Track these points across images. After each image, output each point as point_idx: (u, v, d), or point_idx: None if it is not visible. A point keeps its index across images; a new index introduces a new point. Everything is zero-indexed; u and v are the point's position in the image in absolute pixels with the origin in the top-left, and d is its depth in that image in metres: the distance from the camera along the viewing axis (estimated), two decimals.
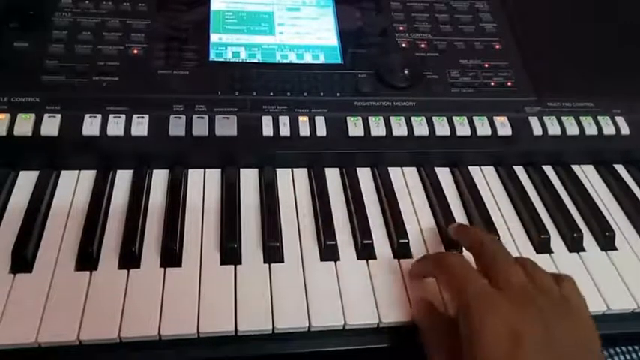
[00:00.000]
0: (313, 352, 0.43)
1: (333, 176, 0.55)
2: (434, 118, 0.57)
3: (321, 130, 0.54)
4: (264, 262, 0.46)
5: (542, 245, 0.50)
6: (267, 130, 0.54)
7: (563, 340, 0.36)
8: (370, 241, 0.48)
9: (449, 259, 0.43)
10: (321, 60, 0.60)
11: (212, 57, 0.59)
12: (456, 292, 0.39)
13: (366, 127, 0.55)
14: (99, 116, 0.52)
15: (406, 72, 0.60)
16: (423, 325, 0.42)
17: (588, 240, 0.52)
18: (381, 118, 0.56)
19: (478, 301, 0.37)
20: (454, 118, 0.57)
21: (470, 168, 0.57)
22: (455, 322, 0.38)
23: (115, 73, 0.55)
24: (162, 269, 0.45)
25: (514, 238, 0.51)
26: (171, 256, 0.45)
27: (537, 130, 0.58)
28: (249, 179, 0.53)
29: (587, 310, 0.40)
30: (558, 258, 0.50)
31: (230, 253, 0.46)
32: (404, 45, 0.63)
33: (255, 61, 0.59)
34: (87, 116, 0.52)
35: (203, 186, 0.52)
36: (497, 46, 0.64)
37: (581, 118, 0.59)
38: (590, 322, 0.39)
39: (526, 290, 0.38)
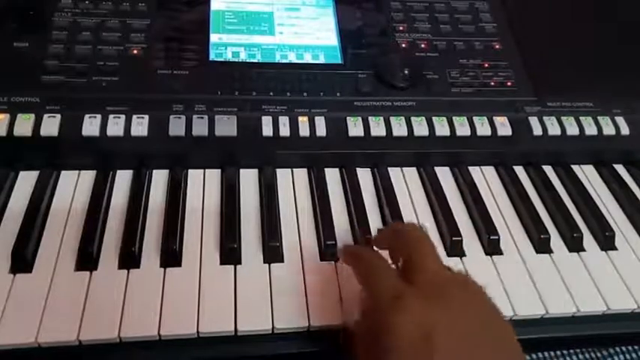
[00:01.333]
0: (313, 352, 0.43)
1: (333, 176, 0.55)
2: (434, 118, 0.57)
3: (321, 130, 0.54)
4: (264, 262, 0.46)
5: (542, 245, 0.50)
6: (267, 130, 0.54)
7: (474, 333, 0.35)
8: None
9: (361, 254, 0.42)
10: (321, 60, 0.60)
11: (212, 57, 0.59)
12: (366, 290, 0.39)
13: (366, 127, 0.55)
14: (99, 116, 0.52)
15: (406, 72, 0.59)
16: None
17: (588, 240, 0.52)
18: (381, 118, 0.56)
19: (387, 300, 0.36)
20: (454, 118, 0.57)
21: (470, 168, 0.57)
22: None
23: (115, 73, 0.55)
24: (162, 269, 0.45)
25: (514, 238, 0.51)
26: (171, 256, 0.45)
27: (537, 130, 0.58)
28: (249, 179, 0.53)
29: (489, 299, 0.38)
30: (558, 258, 0.50)
31: (230, 253, 0.46)
32: (404, 45, 0.63)
33: (255, 61, 0.59)
34: (87, 116, 0.52)
35: (203, 186, 0.52)
36: (497, 46, 0.64)
37: (581, 118, 0.59)
38: (495, 311, 0.37)
39: (435, 286, 0.37)
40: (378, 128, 0.55)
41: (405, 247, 0.40)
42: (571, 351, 0.55)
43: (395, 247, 0.42)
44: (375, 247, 0.45)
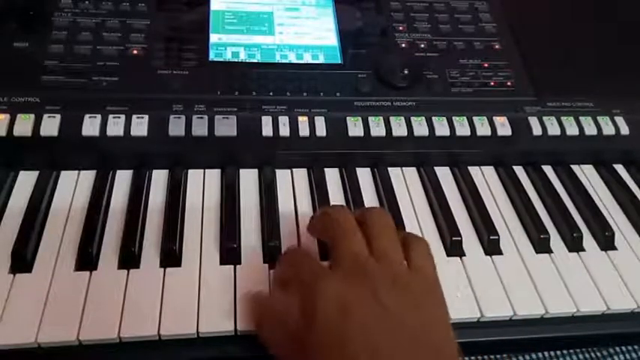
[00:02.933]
0: None
1: (333, 176, 0.55)
2: (434, 118, 0.57)
3: (321, 130, 0.54)
4: (264, 262, 0.46)
5: (542, 245, 0.50)
6: (267, 130, 0.54)
7: (396, 315, 0.35)
8: None
9: (287, 253, 0.43)
10: (321, 60, 0.60)
11: (212, 57, 0.59)
12: (294, 278, 0.39)
13: (366, 127, 0.55)
14: (99, 116, 0.52)
15: (406, 72, 0.60)
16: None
17: (588, 240, 0.52)
18: (381, 118, 0.56)
19: (310, 282, 0.37)
20: (454, 118, 0.57)
21: (470, 168, 0.57)
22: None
23: (115, 73, 0.55)
24: (162, 269, 0.45)
25: (514, 238, 0.51)
26: (170, 256, 0.45)
27: (537, 130, 0.58)
28: (249, 179, 0.53)
29: (434, 277, 0.39)
30: (558, 258, 0.50)
31: (230, 253, 0.46)
32: (404, 45, 0.63)
33: (255, 61, 0.59)
34: (87, 116, 0.52)
35: (203, 186, 0.52)
36: (497, 46, 0.64)
37: (580, 118, 0.59)
38: (435, 291, 0.38)
39: (358, 262, 0.38)
40: (378, 128, 0.55)
41: (329, 231, 0.41)
42: (571, 351, 0.55)
43: (322, 232, 0.43)
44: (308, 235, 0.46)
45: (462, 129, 0.57)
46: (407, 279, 0.38)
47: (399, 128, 0.56)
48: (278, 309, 0.40)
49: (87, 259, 0.45)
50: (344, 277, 0.37)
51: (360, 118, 0.56)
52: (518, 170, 0.58)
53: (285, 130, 0.54)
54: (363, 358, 0.33)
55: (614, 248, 0.51)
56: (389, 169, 0.56)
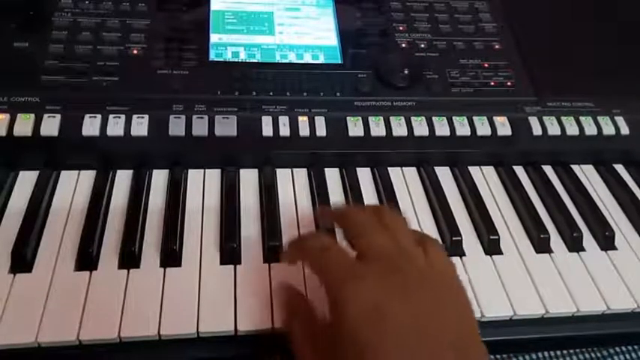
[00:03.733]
0: None
1: (333, 176, 0.55)
2: (434, 118, 0.57)
3: (321, 130, 0.54)
4: (264, 262, 0.46)
5: (542, 245, 0.50)
6: (267, 130, 0.54)
7: (428, 311, 0.34)
8: None
9: (308, 243, 0.41)
10: (321, 60, 0.60)
11: (212, 57, 0.59)
12: (320, 271, 0.38)
13: (366, 127, 0.55)
14: (99, 116, 0.52)
15: (406, 72, 0.60)
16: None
17: (588, 240, 0.52)
18: (381, 118, 0.56)
19: (340, 279, 0.35)
20: (454, 118, 0.57)
21: (470, 168, 0.57)
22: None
23: (115, 73, 0.55)
24: (162, 269, 0.45)
25: (514, 238, 0.51)
26: (171, 256, 0.45)
27: (537, 130, 0.58)
28: (249, 179, 0.53)
29: (454, 276, 0.38)
30: (558, 258, 0.50)
31: (230, 253, 0.46)
32: (404, 45, 0.63)
33: (255, 61, 0.59)
34: (87, 116, 0.52)
35: (203, 186, 0.52)
36: (497, 46, 0.64)
37: (581, 118, 0.59)
38: (457, 289, 0.37)
39: (390, 261, 0.36)
40: (378, 128, 0.55)
41: (351, 226, 0.40)
42: (571, 351, 0.55)
43: (343, 224, 0.42)
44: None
45: (462, 129, 0.57)
46: (433, 277, 0.37)
47: (399, 128, 0.56)
48: (305, 306, 0.39)
49: (87, 259, 0.45)
50: (378, 277, 0.35)
51: (360, 118, 0.56)
52: (519, 170, 0.58)
53: (285, 130, 0.54)
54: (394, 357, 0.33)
55: (614, 248, 0.51)
56: (389, 169, 0.56)
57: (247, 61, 0.59)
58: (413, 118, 0.57)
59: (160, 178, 0.53)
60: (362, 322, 0.33)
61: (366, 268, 0.36)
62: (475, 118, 0.57)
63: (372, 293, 0.34)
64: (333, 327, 0.35)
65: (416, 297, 0.35)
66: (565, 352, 0.55)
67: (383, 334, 0.33)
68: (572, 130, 0.58)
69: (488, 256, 0.49)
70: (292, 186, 0.53)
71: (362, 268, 0.36)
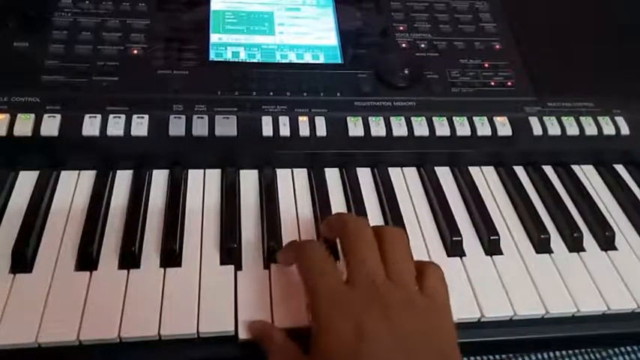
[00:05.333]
0: None
1: (333, 176, 0.55)
2: (434, 118, 0.57)
3: (321, 130, 0.54)
4: (264, 262, 0.46)
5: (542, 245, 0.50)
6: (267, 130, 0.54)
7: (411, 339, 0.35)
8: None
9: (306, 249, 0.41)
10: (321, 60, 0.60)
11: (212, 57, 0.59)
12: (308, 287, 0.39)
13: (366, 127, 0.55)
14: (99, 116, 0.52)
15: (406, 72, 0.60)
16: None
17: (588, 240, 0.52)
18: (381, 118, 0.56)
19: (325, 299, 0.37)
20: (454, 118, 0.57)
21: (470, 168, 0.57)
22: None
23: (115, 73, 0.55)
24: (162, 269, 0.45)
25: (514, 238, 0.51)
26: (171, 257, 0.45)
27: (537, 130, 0.58)
28: (249, 179, 0.53)
29: (447, 308, 0.39)
30: (558, 258, 0.50)
31: (230, 253, 0.46)
32: (404, 45, 0.63)
33: (255, 61, 0.59)
34: (87, 116, 0.52)
35: (203, 186, 0.52)
36: (497, 46, 0.64)
37: (581, 118, 0.59)
38: (448, 322, 0.38)
39: (375, 285, 0.37)
40: (378, 128, 0.55)
41: (346, 243, 0.40)
42: (571, 351, 0.55)
43: (339, 236, 0.42)
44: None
45: (463, 129, 0.57)
46: (420, 304, 0.38)
47: (400, 128, 0.56)
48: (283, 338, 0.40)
49: (87, 259, 0.45)
50: (360, 299, 0.36)
51: (360, 118, 0.56)
52: (519, 170, 0.58)
53: (285, 130, 0.54)
54: None
55: (614, 248, 0.51)
56: (389, 169, 0.56)
57: (247, 61, 0.59)
58: (413, 118, 0.57)
59: (160, 178, 0.53)
60: (343, 344, 0.34)
61: (351, 294, 0.37)
62: (475, 118, 0.57)
63: (352, 316, 0.35)
64: (317, 349, 0.35)
65: (399, 324, 0.35)
66: (565, 352, 0.55)
67: (362, 356, 0.34)
68: (572, 130, 0.58)
69: (489, 257, 0.49)
70: (292, 186, 0.53)
71: (347, 294, 0.37)
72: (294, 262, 0.42)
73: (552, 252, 0.50)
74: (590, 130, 0.59)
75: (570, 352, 0.55)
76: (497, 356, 0.52)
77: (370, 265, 0.39)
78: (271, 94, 0.56)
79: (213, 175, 0.53)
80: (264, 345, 0.40)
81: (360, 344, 0.34)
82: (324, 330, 0.35)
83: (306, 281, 0.39)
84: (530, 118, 0.59)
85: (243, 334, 0.41)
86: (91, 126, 0.52)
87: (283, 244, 0.47)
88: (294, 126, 0.54)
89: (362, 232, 0.41)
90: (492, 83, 0.61)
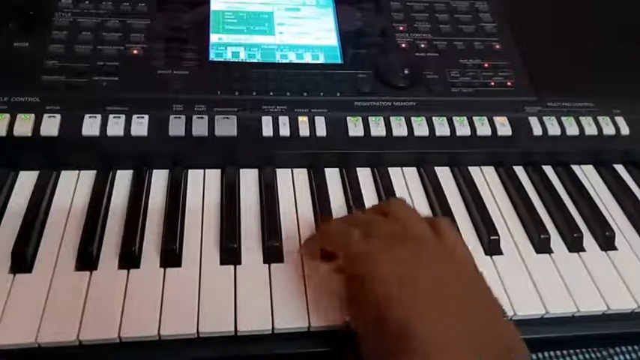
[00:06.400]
0: (312, 352, 0.43)
1: (333, 176, 0.55)
2: (434, 118, 0.57)
3: (321, 130, 0.54)
4: (264, 262, 0.46)
5: (542, 245, 0.50)
6: (267, 130, 0.54)
7: (439, 278, 0.37)
8: None
9: (326, 227, 0.44)
10: (321, 60, 0.60)
11: (212, 57, 0.59)
12: (341, 255, 0.41)
13: (366, 127, 0.55)
14: (99, 116, 0.52)
15: (406, 72, 0.60)
16: None
17: (588, 240, 0.52)
18: (381, 118, 0.56)
19: (358, 255, 0.38)
20: (454, 118, 0.57)
21: (470, 168, 0.57)
22: None
23: (115, 73, 0.55)
24: (162, 269, 0.45)
25: (514, 238, 0.51)
26: (171, 256, 0.45)
27: (537, 130, 0.58)
28: (249, 179, 0.53)
29: (464, 248, 0.41)
30: (558, 258, 0.50)
31: (230, 253, 0.46)
32: (404, 45, 0.63)
33: (255, 61, 0.59)
34: (87, 116, 0.52)
35: (203, 186, 0.52)
36: (497, 46, 0.64)
37: (581, 118, 0.59)
38: (467, 260, 0.40)
39: (402, 233, 0.40)
40: (378, 128, 0.55)
41: (357, 223, 0.42)
42: (571, 351, 0.55)
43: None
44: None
45: (462, 129, 0.57)
46: (444, 249, 0.40)
47: (399, 128, 0.56)
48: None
49: (87, 259, 0.45)
50: (391, 245, 0.38)
51: (360, 118, 0.56)
52: (519, 170, 0.58)
53: (285, 130, 0.54)
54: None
55: (614, 248, 0.51)
56: (389, 169, 0.56)
57: (247, 61, 0.59)
58: (413, 118, 0.57)
59: (160, 178, 0.53)
60: (385, 288, 0.36)
61: (378, 244, 0.39)
62: (475, 118, 0.57)
63: (390, 265, 0.37)
64: (361, 300, 0.37)
65: (426, 267, 0.38)
66: (565, 352, 0.55)
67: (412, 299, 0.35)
68: (572, 130, 0.58)
69: (489, 257, 0.49)
70: (292, 186, 0.53)
71: (375, 244, 0.39)
72: (320, 247, 0.44)
73: (552, 252, 0.50)
74: (590, 130, 0.59)
75: (570, 351, 0.55)
76: None
77: (384, 222, 0.41)
78: (271, 94, 0.56)
79: (213, 175, 0.53)
80: (324, 241, 0.44)
81: (400, 289, 0.35)
82: (367, 275, 0.37)
83: (338, 250, 0.41)
84: (530, 118, 0.59)
85: (242, 327, 0.41)
86: (91, 126, 0.52)
87: (283, 244, 0.47)
88: (294, 126, 0.54)
89: (366, 211, 0.45)
90: (492, 83, 0.61)
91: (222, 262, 0.46)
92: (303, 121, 0.55)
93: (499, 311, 0.37)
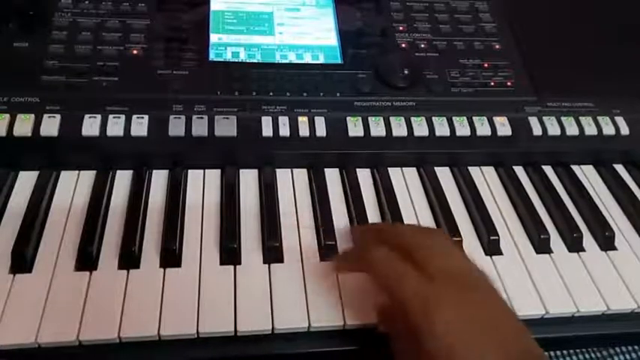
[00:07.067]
0: (312, 352, 0.43)
1: (333, 176, 0.55)
2: (434, 118, 0.57)
3: (321, 131, 0.54)
4: (264, 262, 0.46)
5: (542, 245, 0.50)
6: (267, 131, 0.54)
7: (485, 318, 0.36)
8: None
9: (371, 255, 0.41)
10: (321, 60, 0.60)
11: (212, 57, 0.59)
12: (389, 291, 0.39)
13: (366, 127, 0.55)
14: (98, 116, 0.52)
15: (406, 72, 0.60)
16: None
17: (588, 240, 0.52)
18: (381, 118, 0.56)
19: (418, 298, 0.36)
20: (454, 118, 0.57)
21: (470, 168, 0.57)
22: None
23: (115, 73, 0.55)
24: (162, 269, 0.45)
25: (514, 239, 0.51)
26: (170, 257, 0.45)
27: (537, 130, 0.58)
28: (248, 179, 0.53)
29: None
30: (558, 258, 0.50)
31: (230, 253, 0.46)
32: (404, 45, 0.63)
33: (255, 61, 0.59)
34: (87, 116, 0.52)
35: (203, 186, 0.52)
36: (497, 46, 0.64)
37: (581, 118, 0.59)
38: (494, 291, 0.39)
39: (453, 273, 0.38)
40: (378, 128, 0.55)
41: (408, 245, 0.40)
42: (571, 351, 0.55)
43: (394, 247, 0.41)
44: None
45: (462, 129, 0.57)
46: (483, 282, 0.39)
47: (399, 128, 0.56)
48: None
49: (87, 259, 0.45)
50: (453, 290, 0.37)
51: (360, 118, 0.56)
52: (518, 170, 0.58)
53: (285, 130, 0.54)
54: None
55: (614, 248, 0.51)
56: (389, 169, 0.56)
57: (247, 61, 0.59)
58: (413, 118, 0.57)
59: (160, 178, 0.53)
60: (453, 336, 0.35)
61: (435, 290, 0.37)
62: (475, 118, 0.57)
63: (449, 318, 0.35)
64: (419, 343, 0.35)
65: (479, 313, 0.36)
66: (565, 352, 0.55)
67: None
68: (572, 130, 0.58)
69: (488, 257, 0.49)
70: (292, 186, 0.53)
71: (432, 291, 0.37)
72: (361, 271, 0.42)
73: (552, 252, 0.50)
74: (590, 130, 0.59)
75: (570, 351, 0.55)
76: None
77: (438, 256, 0.39)
78: (271, 94, 0.56)
79: (213, 175, 0.53)
80: (373, 273, 0.41)
81: (459, 340, 0.35)
82: (428, 326, 0.35)
83: (386, 288, 0.39)
84: (530, 118, 0.59)
85: (242, 327, 0.41)
86: (90, 126, 0.52)
87: (283, 244, 0.47)
88: (293, 126, 0.54)
89: (421, 237, 0.42)
90: (492, 83, 0.61)
91: (222, 262, 0.46)
92: (302, 121, 0.55)
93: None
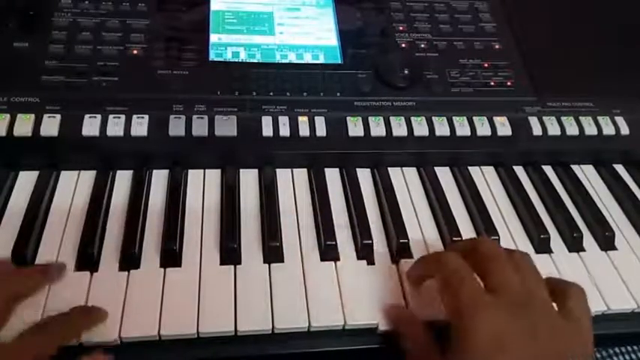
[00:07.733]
0: (313, 352, 0.43)
1: (333, 176, 0.55)
2: (434, 118, 0.57)
3: (321, 130, 0.54)
4: (264, 262, 0.46)
5: (542, 245, 0.50)
6: (267, 130, 0.54)
7: (549, 354, 0.36)
8: (370, 242, 0.48)
9: (445, 258, 0.41)
10: (321, 60, 0.60)
11: (212, 57, 0.59)
12: (450, 294, 0.39)
13: (366, 127, 0.55)
14: (99, 116, 0.52)
15: (406, 72, 0.60)
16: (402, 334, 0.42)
17: (588, 240, 0.52)
18: (381, 118, 0.56)
19: (470, 306, 0.37)
20: (454, 118, 0.57)
21: (470, 168, 0.57)
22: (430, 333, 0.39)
23: (115, 73, 0.55)
24: (162, 270, 0.45)
25: (514, 238, 0.51)
26: (171, 257, 0.45)
27: (537, 130, 0.58)
28: (249, 179, 0.53)
29: (591, 334, 0.39)
30: (558, 258, 0.50)
31: (230, 253, 0.46)
32: (404, 45, 0.63)
33: (255, 61, 0.59)
34: (87, 116, 0.52)
35: (203, 186, 0.52)
36: (497, 46, 0.64)
37: (581, 118, 0.59)
38: (589, 350, 0.39)
39: (520, 300, 0.38)
40: (378, 128, 0.55)
41: (483, 262, 0.40)
42: None
43: (473, 263, 0.41)
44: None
45: (462, 129, 0.57)
46: (566, 328, 0.38)
47: (399, 128, 0.56)
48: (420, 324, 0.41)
49: (87, 260, 0.45)
50: (505, 310, 0.37)
51: (360, 118, 0.56)
52: (518, 170, 0.58)
53: (285, 130, 0.54)
54: None
55: (614, 248, 0.51)
56: (389, 169, 0.56)
57: (247, 61, 0.59)
58: (413, 118, 0.57)
59: (160, 178, 0.53)
60: (483, 350, 0.35)
61: (496, 300, 0.37)
62: (475, 118, 0.57)
63: (496, 327, 0.36)
64: (455, 352, 0.36)
65: (542, 341, 0.36)
66: None
67: None
68: (572, 130, 0.58)
69: None
70: (292, 186, 0.53)
71: (491, 299, 0.37)
72: (432, 274, 0.42)
73: (552, 252, 0.50)
74: (590, 130, 0.59)
75: None
76: None
77: (512, 281, 0.39)
78: (271, 94, 0.56)
79: (213, 175, 0.53)
80: (403, 334, 0.42)
81: (497, 355, 0.35)
82: (466, 332, 0.36)
83: (447, 287, 0.39)
84: (529, 118, 0.59)
85: (242, 327, 0.41)
86: (90, 126, 0.52)
87: (283, 244, 0.47)
88: (293, 126, 0.54)
89: (498, 252, 0.41)
90: (492, 83, 0.61)
91: (222, 262, 0.46)
92: (303, 121, 0.55)
93: None
